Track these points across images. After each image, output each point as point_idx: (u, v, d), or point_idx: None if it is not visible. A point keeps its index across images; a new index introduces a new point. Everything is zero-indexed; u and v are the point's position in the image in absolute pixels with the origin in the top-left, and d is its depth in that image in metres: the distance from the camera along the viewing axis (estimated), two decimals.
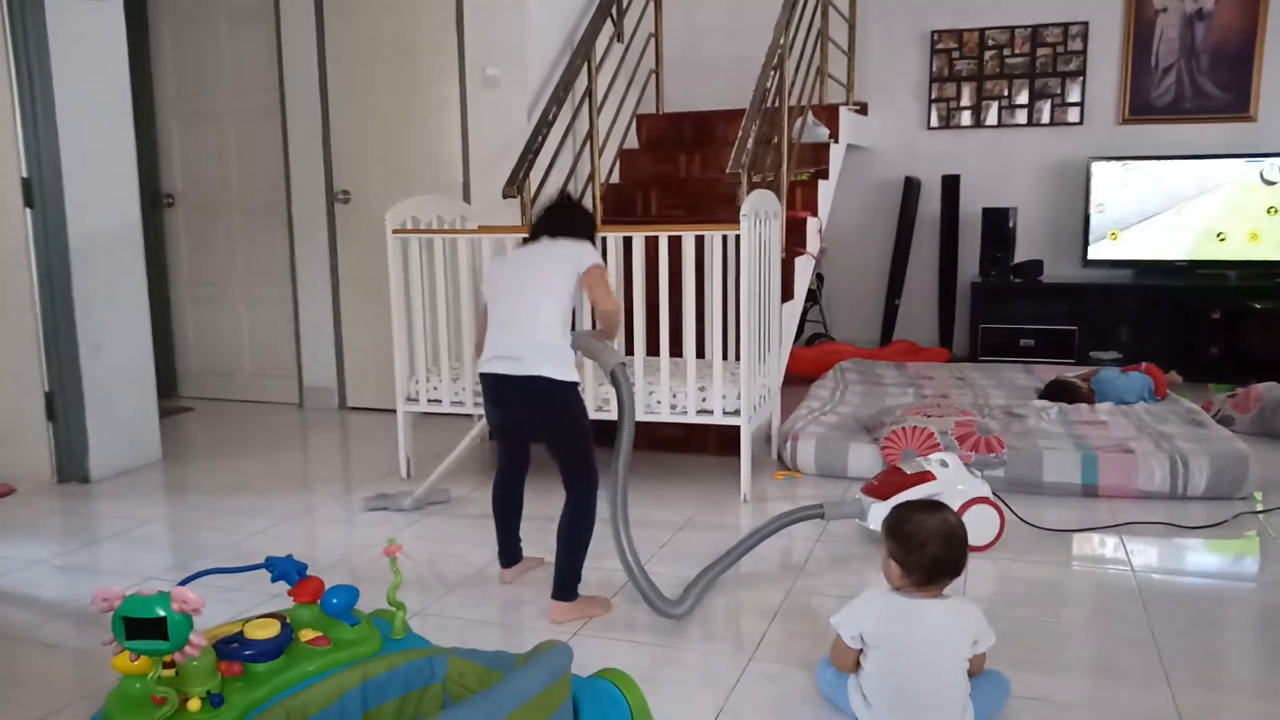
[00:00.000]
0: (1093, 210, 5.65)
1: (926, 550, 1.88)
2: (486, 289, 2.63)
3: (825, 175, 4.97)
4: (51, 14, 3.56)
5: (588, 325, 3.27)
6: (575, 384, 2.47)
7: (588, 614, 2.46)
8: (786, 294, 4.20)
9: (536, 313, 2.47)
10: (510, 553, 2.70)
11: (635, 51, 5.19)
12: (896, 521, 1.95)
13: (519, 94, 4.52)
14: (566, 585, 2.46)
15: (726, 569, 2.62)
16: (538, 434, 2.57)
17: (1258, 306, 5.13)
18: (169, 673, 1.52)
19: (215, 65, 5.11)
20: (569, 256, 2.53)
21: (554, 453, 2.52)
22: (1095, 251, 5.69)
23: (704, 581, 2.52)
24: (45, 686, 2.18)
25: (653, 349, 3.65)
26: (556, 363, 2.44)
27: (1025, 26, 5.84)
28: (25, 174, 3.58)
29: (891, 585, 1.94)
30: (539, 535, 2.74)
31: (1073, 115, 5.82)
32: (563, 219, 2.62)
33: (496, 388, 2.51)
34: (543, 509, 2.71)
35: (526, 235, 2.69)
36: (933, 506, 2.00)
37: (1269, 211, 5.41)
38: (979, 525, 2.85)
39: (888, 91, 6.08)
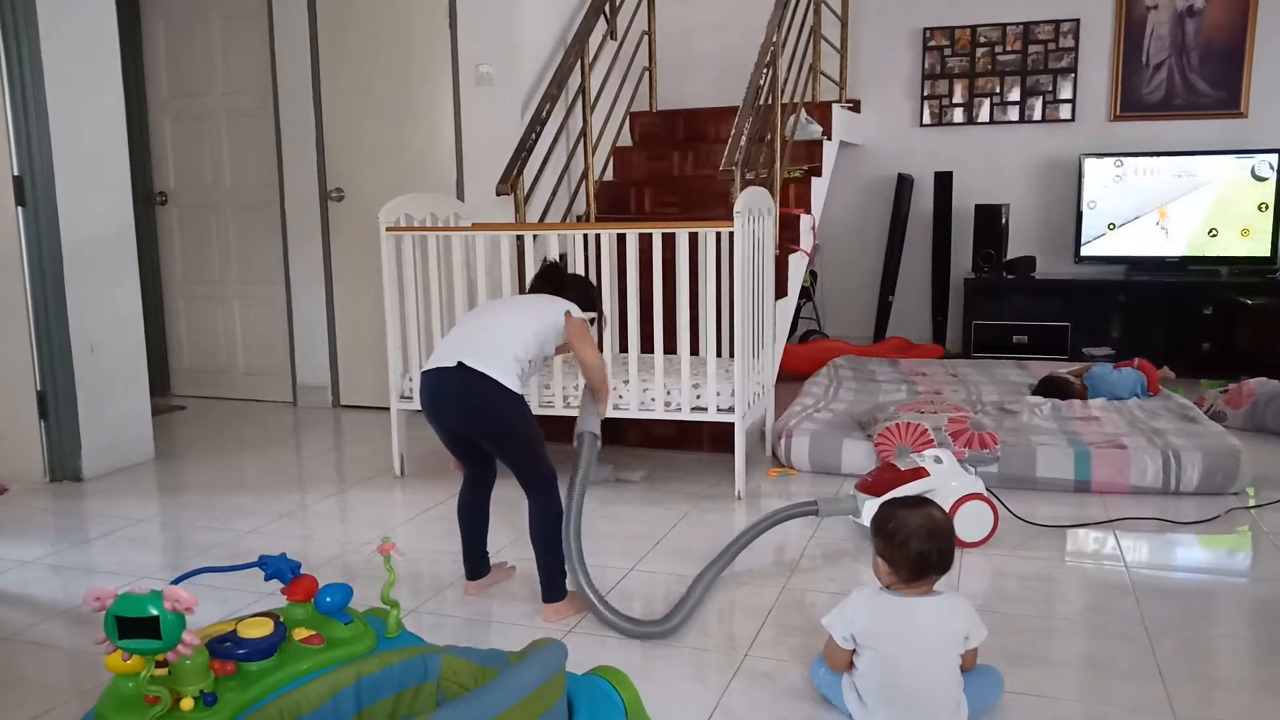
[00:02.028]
0: (1085, 207, 5.67)
1: (911, 547, 1.88)
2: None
3: (818, 172, 4.97)
4: (43, 11, 3.55)
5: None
6: (516, 394, 2.38)
7: (580, 608, 2.46)
8: (780, 291, 4.20)
9: (492, 333, 2.45)
10: (476, 566, 2.62)
11: (628, 49, 5.19)
12: (881, 519, 1.95)
13: (512, 91, 4.52)
14: (553, 585, 2.44)
15: (722, 570, 2.62)
16: (480, 439, 2.48)
17: (1249, 302, 5.15)
18: (162, 672, 1.52)
19: (208, 63, 5.09)
20: (549, 303, 2.55)
21: (501, 458, 2.48)
22: (1088, 248, 5.70)
23: (698, 591, 2.48)
24: (38, 686, 2.17)
25: (647, 346, 3.65)
26: (500, 370, 2.36)
27: (1017, 24, 5.85)
28: (17, 172, 3.56)
29: (881, 583, 1.94)
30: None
31: (1064, 112, 5.84)
32: (556, 281, 2.66)
33: (432, 387, 2.42)
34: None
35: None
36: (917, 503, 1.99)
37: (1260, 208, 5.43)
38: (973, 521, 2.86)
39: (880, 88, 6.09)
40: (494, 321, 2.51)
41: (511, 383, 2.37)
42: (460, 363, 2.36)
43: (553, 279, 2.69)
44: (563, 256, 2.74)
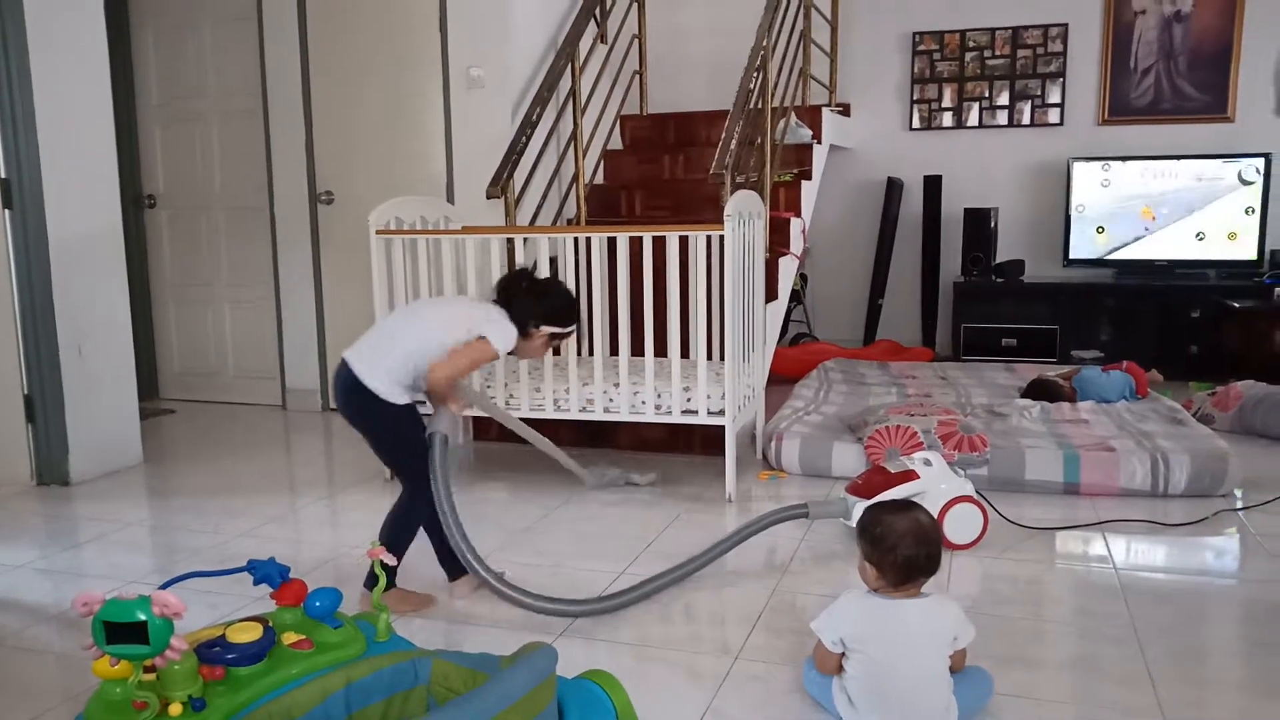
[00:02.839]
0: (1073, 211, 5.69)
1: (899, 551, 1.88)
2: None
3: (808, 176, 4.98)
4: (31, 14, 3.53)
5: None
6: (388, 402, 2.41)
7: (412, 605, 2.48)
8: (770, 294, 4.21)
9: (393, 339, 2.46)
10: (452, 564, 2.58)
11: (619, 53, 5.20)
12: (868, 524, 1.95)
13: (503, 95, 4.52)
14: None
15: (698, 569, 2.62)
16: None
17: (1236, 305, 5.18)
18: (150, 677, 1.51)
19: (198, 66, 5.08)
20: (475, 317, 2.51)
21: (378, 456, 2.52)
22: (1076, 251, 5.72)
23: (648, 586, 2.51)
24: (26, 692, 2.15)
25: (637, 349, 3.65)
26: (377, 377, 2.40)
27: (1006, 28, 5.88)
28: (4, 175, 3.55)
29: (869, 587, 1.95)
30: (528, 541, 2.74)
31: (1053, 116, 5.86)
32: (510, 290, 2.60)
33: (333, 377, 2.51)
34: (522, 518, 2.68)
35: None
36: (903, 507, 2.00)
37: (1247, 211, 5.46)
38: (962, 524, 2.86)
39: (870, 93, 6.11)
40: (402, 326, 2.51)
41: (386, 390, 2.40)
42: (346, 360, 2.44)
43: (505, 291, 2.61)
44: (535, 265, 2.72)
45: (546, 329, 2.60)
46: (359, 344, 2.50)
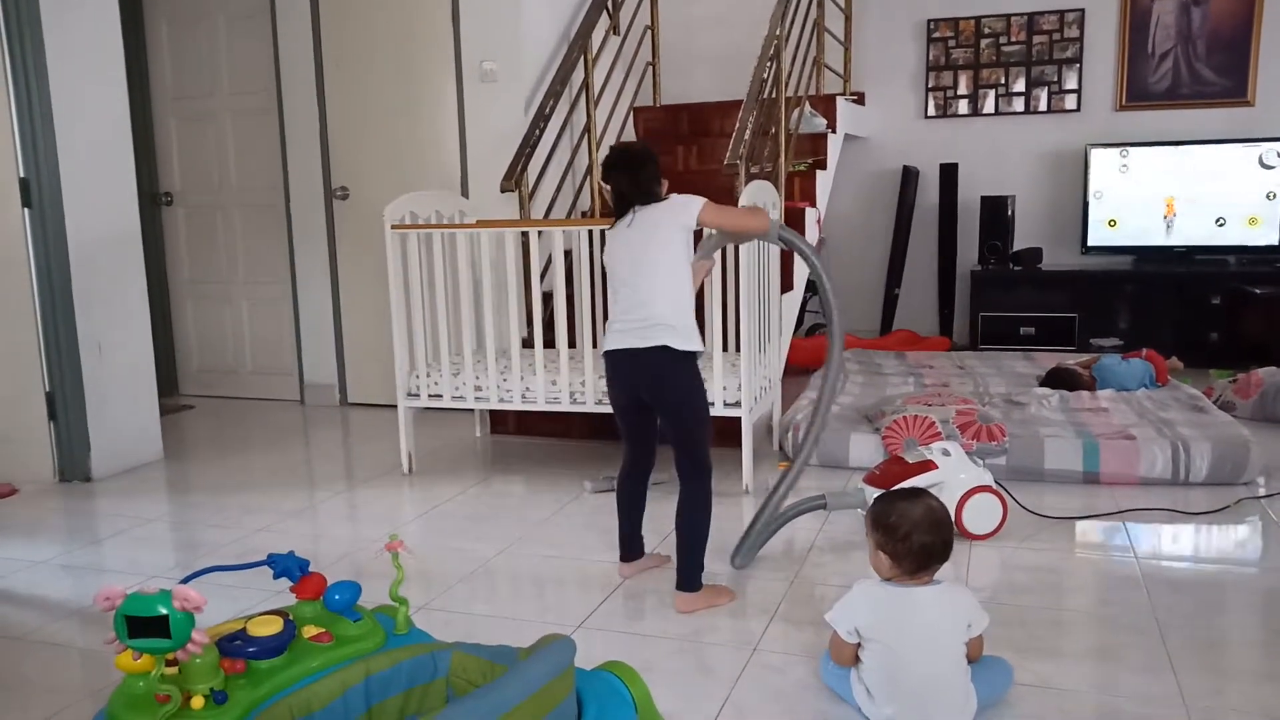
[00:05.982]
0: (1091, 197, 5.65)
1: (914, 539, 1.88)
2: (607, 260, 2.54)
3: (823, 165, 4.96)
4: (46, 13, 3.55)
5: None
6: (694, 354, 2.44)
7: (713, 603, 2.46)
8: (786, 285, 4.19)
9: (654, 286, 2.43)
10: (630, 546, 2.67)
11: (631, 44, 5.18)
12: (881, 513, 1.95)
13: (516, 88, 4.52)
14: (689, 576, 2.44)
15: (770, 535, 2.72)
16: (657, 413, 2.53)
17: (1257, 291, 5.13)
18: (172, 671, 1.52)
19: (212, 63, 5.10)
20: (671, 221, 2.45)
21: (670, 435, 2.51)
22: (1094, 238, 5.68)
23: (752, 540, 2.67)
24: (49, 686, 2.18)
25: None
26: (676, 333, 2.41)
27: (1021, 14, 5.82)
28: (23, 174, 3.57)
29: (882, 577, 1.94)
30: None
31: (1070, 102, 5.81)
32: (641, 179, 2.49)
33: (617, 365, 2.50)
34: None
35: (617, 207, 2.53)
36: (913, 494, 2.00)
37: (1268, 196, 5.40)
38: (982, 514, 2.85)
39: (885, 81, 6.07)
40: (652, 276, 2.43)
41: (691, 341, 2.42)
42: (654, 341, 2.40)
43: (636, 180, 2.48)
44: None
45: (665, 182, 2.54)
46: (641, 318, 2.42)
